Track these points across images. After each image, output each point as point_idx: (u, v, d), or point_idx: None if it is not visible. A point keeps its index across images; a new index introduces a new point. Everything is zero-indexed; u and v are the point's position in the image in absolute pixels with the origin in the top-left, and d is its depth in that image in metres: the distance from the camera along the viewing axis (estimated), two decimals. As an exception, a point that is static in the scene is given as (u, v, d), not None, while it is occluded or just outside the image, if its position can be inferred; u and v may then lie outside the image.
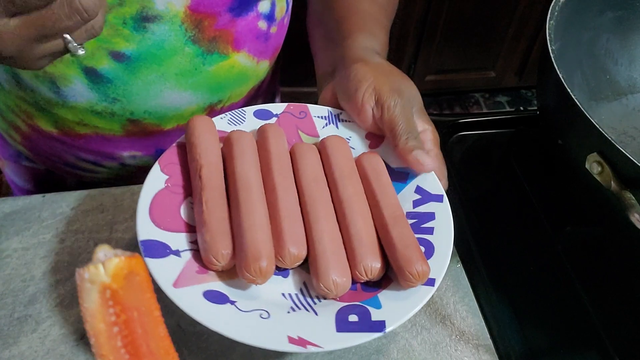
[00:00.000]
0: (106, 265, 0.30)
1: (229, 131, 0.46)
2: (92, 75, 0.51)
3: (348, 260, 0.39)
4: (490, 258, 0.52)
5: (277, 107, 0.49)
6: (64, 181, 0.68)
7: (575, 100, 0.44)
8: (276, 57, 0.63)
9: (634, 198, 0.41)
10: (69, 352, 0.42)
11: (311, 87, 1.76)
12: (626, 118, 0.65)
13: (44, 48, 0.34)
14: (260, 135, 0.46)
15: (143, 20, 0.48)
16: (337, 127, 0.49)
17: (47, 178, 0.68)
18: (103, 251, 0.31)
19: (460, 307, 0.48)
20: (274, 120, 0.49)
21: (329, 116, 0.49)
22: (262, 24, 0.56)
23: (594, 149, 0.43)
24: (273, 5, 0.56)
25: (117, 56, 0.50)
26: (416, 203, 0.43)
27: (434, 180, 0.44)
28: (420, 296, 0.37)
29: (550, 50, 0.48)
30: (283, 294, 0.39)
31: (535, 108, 0.61)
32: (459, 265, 0.51)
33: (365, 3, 0.56)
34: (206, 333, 0.44)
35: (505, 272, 0.51)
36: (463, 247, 0.52)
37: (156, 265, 0.37)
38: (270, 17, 0.56)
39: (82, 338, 0.43)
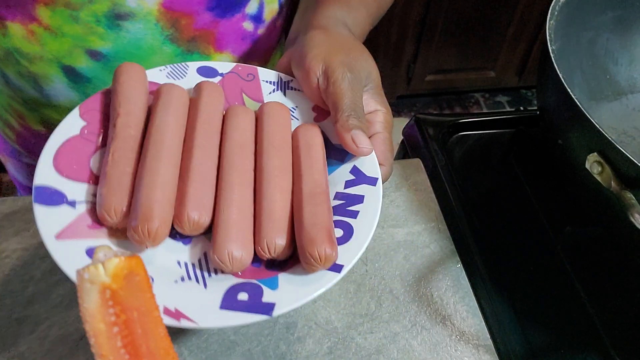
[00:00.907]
0: (106, 265, 0.30)
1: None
2: (71, 74, 0.51)
3: (254, 235, 0.36)
4: (490, 258, 0.52)
5: (224, 66, 0.46)
6: None
7: (576, 100, 0.44)
8: (269, 59, 0.63)
9: (634, 198, 0.41)
10: (68, 352, 0.42)
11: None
12: (626, 118, 0.65)
13: None
14: (196, 92, 0.42)
15: (116, 18, 0.47)
16: (284, 94, 0.45)
17: None
18: (103, 251, 0.31)
19: (461, 307, 0.48)
20: (218, 79, 0.45)
21: (278, 82, 0.46)
22: (248, 25, 0.55)
23: (594, 148, 0.43)
24: (261, 6, 0.55)
25: (94, 55, 0.49)
26: (348, 184, 0.40)
27: (372, 163, 0.41)
28: (322, 282, 0.34)
29: (550, 50, 0.48)
30: (179, 262, 0.36)
31: (535, 108, 0.61)
32: (459, 265, 0.51)
33: None
34: (206, 333, 0.44)
35: (505, 272, 0.51)
36: (463, 247, 0.52)
37: (45, 213, 0.34)
38: (257, 18, 0.55)
39: (81, 339, 0.43)
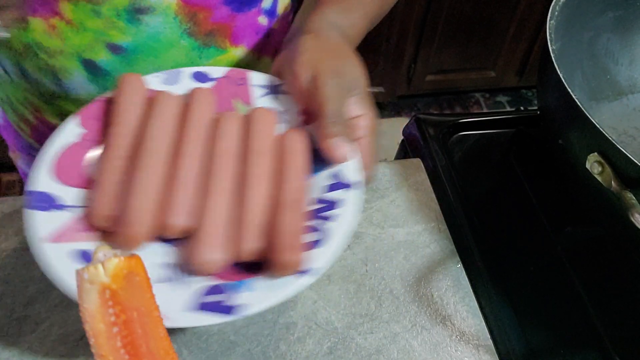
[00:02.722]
0: (106, 265, 0.30)
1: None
2: (91, 68, 0.51)
3: (233, 239, 0.38)
4: (491, 258, 0.52)
5: (217, 71, 0.47)
6: None
7: (576, 100, 0.44)
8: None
9: (634, 198, 0.41)
10: (68, 352, 0.42)
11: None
12: (626, 118, 0.65)
13: None
14: (187, 99, 0.44)
15: (136, 12, 0.48)
16: (275, 97, 0.46)
17: None
18: (103, 251, 0.31)
19: (461, 308, 0.48)
20: (211, 84, 0.46)
21: (269, 85, 0.47)
22: (263, 20, 0.56)
23: (595, 148, 0.43)
24: (276, 0, 0.56)
25: (114, 48, 0.50)
26: (329, 188, 0.41)
27: (355, 167, 0.41)
28: (293, 286, 0.36)
29: (550, 50, 0.48)
30: (160, 264, 0.38)
31: (536, 108, 0.61)
32: (459, 265, 0.51)
33: None
34: (206, 333, 0.44)
35: (505, 273, 0.51)
36: (463, 247, 0.52)
37: (36, 218, 0.36)
38: (271, 13, 0.56)
39: (81, 338, 0.43)
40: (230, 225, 0.38)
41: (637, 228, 0.39)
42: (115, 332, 0.31)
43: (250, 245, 0.37)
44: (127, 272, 0.32)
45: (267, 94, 0.46)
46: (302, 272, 0.36)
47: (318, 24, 0.47)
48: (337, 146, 0.40)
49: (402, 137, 0.70)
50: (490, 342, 0.46)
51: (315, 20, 0.47)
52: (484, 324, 0.47)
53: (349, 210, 0.39)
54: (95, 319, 0.31)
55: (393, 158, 0.75)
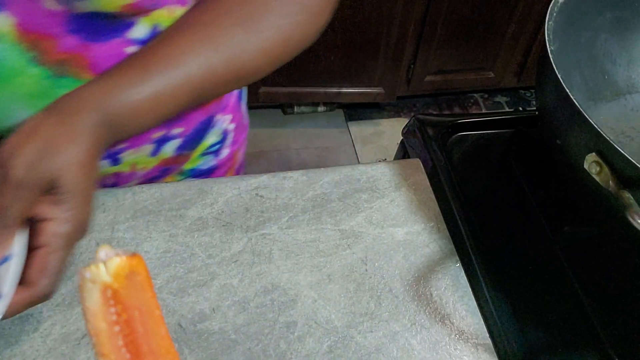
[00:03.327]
0: (107, 265, 0.31)
1: None
2: None
3: None
4: (489, 258, 0.52)
5: None
6: None
7: (574, 101, 0.44)
8: None
9: (632, 198, 0.41)
10: (70, 351, 0.43)
11: (309, 87, 1.76)
12: (624, 118, 0.65)
13: None
14: None
15: None
16: None
17: None
18: (104, 251, 0.31)
19: (460, 307, 0.48)
20: None
21: None
22: (132, 50, 0.50)
23: (593, 149, 0.43)
24: (154, 32, 0.50)
25: None
26: None
27: (12, 278, 0.35)
28: None
29: (549, 51, 0.48)
30: None
31: (534, 108, 0.61)
32: (458, 264, 0.51)
33: (187, 35, 0.44)
34: (207, 332, 0.45)
35: (504, 272, 0.51)
36: (462, 247, 0.53)
37: None
38: (145, 43, 0.49)
39: (83, 337, 0.43)
40: None
41: (635, 228, 0.40)
42: (116, 331, 0.31)
43: None
44: (129, 271, 0.32)
45: None
46: None
47: (73, 98, 0.41)
48: None
49: (401, 138, 0.70)
50: (489, 340, 0.46)
51: (72, 94, 0.41)
52: (482, 322, 0.47)
53: None
54: (97, 318, 0.31)
55: (392, 158, 0.76)
